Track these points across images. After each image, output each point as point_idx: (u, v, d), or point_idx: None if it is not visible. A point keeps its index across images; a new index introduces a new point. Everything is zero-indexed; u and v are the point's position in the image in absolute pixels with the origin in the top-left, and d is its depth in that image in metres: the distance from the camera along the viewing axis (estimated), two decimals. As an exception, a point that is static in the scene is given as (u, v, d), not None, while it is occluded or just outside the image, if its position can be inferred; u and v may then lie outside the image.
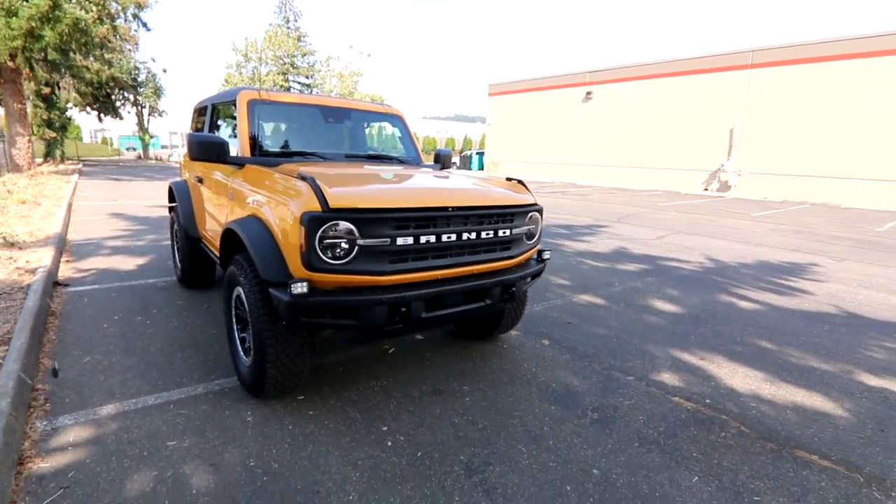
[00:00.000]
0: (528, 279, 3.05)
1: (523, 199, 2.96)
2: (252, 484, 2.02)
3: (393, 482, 2.07)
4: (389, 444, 2.33)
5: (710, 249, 7.88)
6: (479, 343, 3.65)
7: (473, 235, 2.64)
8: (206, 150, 3.07)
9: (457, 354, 3.44)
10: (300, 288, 2.16)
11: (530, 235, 3.02)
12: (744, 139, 20.44)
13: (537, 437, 2.46)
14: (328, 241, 2.21)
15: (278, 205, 2.44)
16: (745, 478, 2.22)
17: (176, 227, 4.73)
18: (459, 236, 2.58)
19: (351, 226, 2.25)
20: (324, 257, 2.21)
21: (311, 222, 2.17)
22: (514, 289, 2.86)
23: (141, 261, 5.76)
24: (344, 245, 2.25)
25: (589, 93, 25.99)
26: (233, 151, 3.38)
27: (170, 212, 5.09)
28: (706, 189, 21.71)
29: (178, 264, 4.75)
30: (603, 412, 2.74)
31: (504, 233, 2.78)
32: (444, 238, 2.52)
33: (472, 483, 2.09)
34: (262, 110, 3.50)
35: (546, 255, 3.19)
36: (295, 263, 2.26)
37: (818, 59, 18.42)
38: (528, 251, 3.01)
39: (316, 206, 2.21)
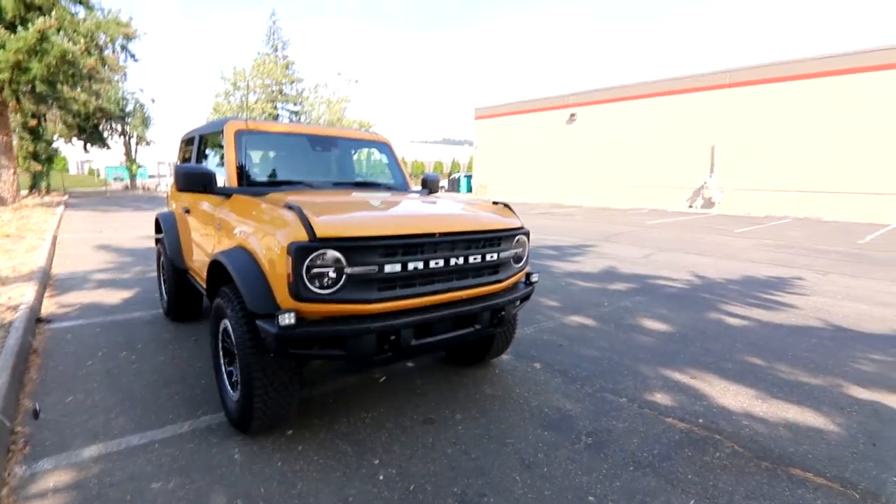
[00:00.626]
0: (517, 303, 3.06)
1: (510, 223, 2.99)
2: (240, 525, 1.96)
3: (385, 517, 2.02)
4: (381, 478, 2.29)
5: (697, 266, 7.97)
6: (470, 369, 3.62)
7: (461, 261, 2.65)
8: (194, 181, 3.07)
9: (448, 381, 3.41)
10: (288, 319, 2.14)
11: (518, 259, 3.04)
12: (725, 156, 20.90)
13: (531, 464, 2.43)
14: (316, 270, 2.21)
15: (265, 235, 2.43)
16: (741, 499, 2.20)
17: (163, 258, 4.69)
18: (447, 262, 2.59)
19: (338, 254, 2.24)
20: (311, 287, 2.20)
21: (298, 252, 2.16)
22: (503, 313, 2.86)
23: (127, 294, 5.67)
24: (332, 274, 2.24)
25: (573, 115, 26.51)
26: (220, 182, 3.38)
27: (156, 243, 5.05)
28: (690, 206, 22.06)
29: (165, 297, 4.69)
30: (597, 436, 2.72)
31: (492, 257, 2.79)
32: (432, 264, 2.53)
33: (467, 515, 2.05)
34: (250, 140, 3.52)
35: (534, 278, 3.21)
36: (282, 294, 2.24)
37: (794, 77, 19.04)
38: (516, 275, 3.02)
39: (303, 235, 2.21)
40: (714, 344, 4.27)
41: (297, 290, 2.18)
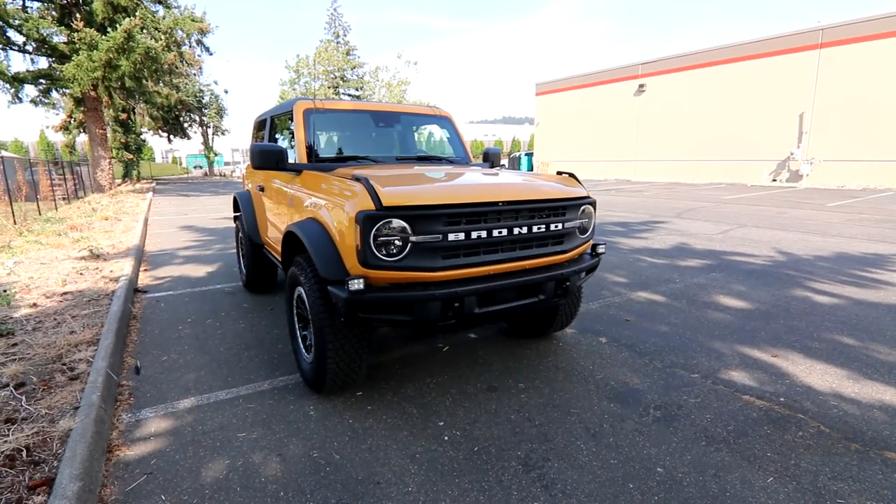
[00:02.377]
0: (583, 274, 2.99)
1: (574, 192, 2.91)
2: (316, 474, 2.10)
3: (451, 475, 2.08)
4: (446, 438, 2.36)
5: (781, 242, 7.39)
6: (533, 341, 3.61)
7: (525, 230, 2.63)
8: (267, 158, 3.23)
9: (511, 352, 3.42)
10: (357, 284, 2.23)
11: (583, 229, 2.96)
12: (815, 125, 19.04)
13: (597, 434, 2.41)
14: (382, 238, 2.27)
15: (334, 206, 2.53)
16: (827, 479, 2.06)
17: (241, 234, 5.01)
18: (510, 231, 2.58)
19: (404, 223, 2.30)
20: (378, 255, 2.27)
21: (366, 221, 2.24)
22: (567, 284, 2.81)
23: (210, 268, 6.13)
24: (397, 242, 2.30)
25: (642, 85, 25.13)
26: (290, 159, 3.54)
27: (235, 221, 5.40)
28: (775, 180, 20.38)
29: (244, 270, 5.02)
30: (666, 410, 2.63)
31: (556, 227, 2.74)
32: (496, 233, 2.52)
33: (531, 478, 2.07)
34: (317, 119, 3.65)
35: (601, 250, 3.12)
36: (351, 261, 2.33)
37: (892, 33, 16.89)
38: (581, 245, 2.95)
39: (370, 205, 2.28)
40: (799, 322, 3.97)
41: (365, 258, 2.26)
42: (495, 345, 3.56)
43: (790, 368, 3.13)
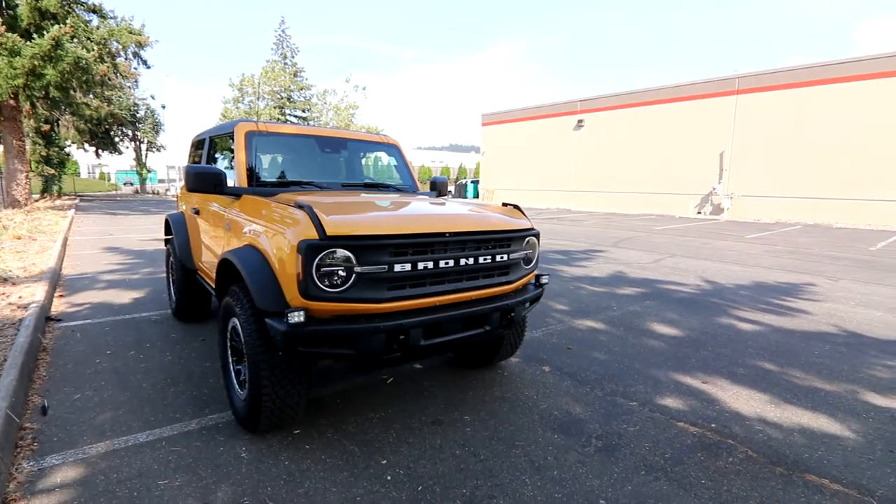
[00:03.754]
0: (527, 304, 3.03)
1: (520, 223, 2.97)
2: (247, 523, 1.94)
3: (393, 518, 1.99)
4: (389, 478, 2.26)
5: (707, 272, 7.89)
6: (478, 371, 3.60)
7: (471, 261, 2.64)
8: (203, 180, 3.08)
9: (456, 383, 3.38)
10: (297, 317, 2.14)
11: (528, 260, 3.02)
12: (734, 163, 20.78)
13: (541, 467, 2.40)
14: (325, 268, 2.20)
15: (275, 234, 2.43)
16: (756, 505, 2.16)
17: (172, 259, 4.71)
18: (457, 262, 2.58)
19: (348, 253, 2.24)
20: (321, 285, 2.19)
21: (309, 250, 2.16)
22: (513, 314, 2.84)
23: (136, 294, 5.70)
24: (341, 273, 2.23)
25: (580, 121, 26.51)
26: (230, 183, 3.40)
27: (166, 244, 5.08)
28: (699, 212, 21.92)
29: (174, 297, 4.70)
30: (607, 440, 2.68)
31: (501, 258, 2.77)
32: (442, 264, 2.51)
33: (476, 517, 2.02)
34: (260, 142, 3.53)
35: (544, 280, 3.18)
36: (292, 292, 2.23)
37: (803, 83, 18.93)
38: (525, 276, 3.00)
39: (313, 233, 2.21)
40: (725, 349, 4.21)
41: (307, 289, 2.17)
42: (440, 375, 3.51)
43: (719, 394, 3.29)
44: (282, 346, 2.20)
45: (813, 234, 14.61)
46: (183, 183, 3.53)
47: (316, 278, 2.18)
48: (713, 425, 2.87)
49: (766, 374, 3.66)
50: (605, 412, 3.00)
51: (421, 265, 2.43)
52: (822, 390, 3.39)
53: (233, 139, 3.53)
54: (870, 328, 4.90)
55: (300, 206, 2.36)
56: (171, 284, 4.84)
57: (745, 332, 4.70)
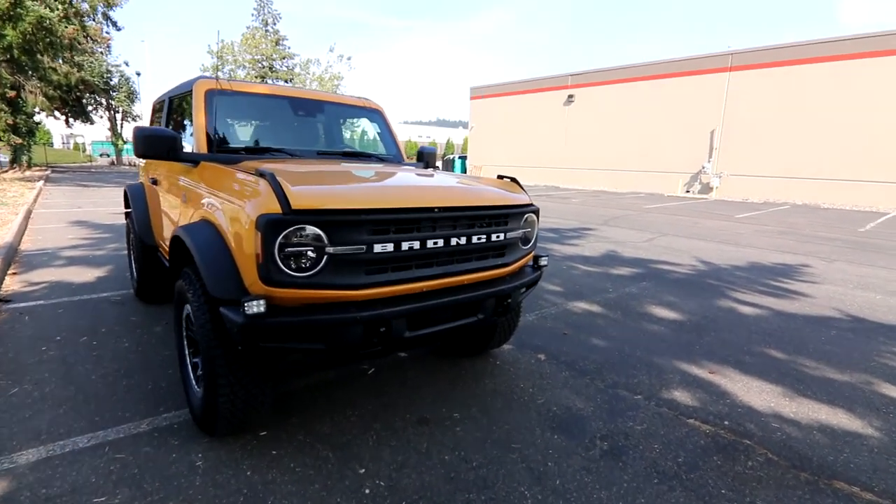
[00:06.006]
0: (524, 289, 2.72)
1: (518, 198, 2.63)
2: (195, 553, 1.62)
3: (371, 544, 1.69)
4: (367, 491, 1.96)
5: (701, 252, 7.67)
6: (468, 360, 3.30)
7: (463, 241, 2.30)
8: (155, 145, 2.67)
9: (444, 374, 3.08)
10: (256, 307, 1.79)
11: (526, 240, 2.69)
12: (724, 141, 20.55)
13: (542, 476, 2.12)
14: (291, 249, 1.84)
15: (232, 207, 2.06)
16: (785, 520, 1.91)
17: (132, 234, 4.28)
18: (447, 242, 2.23)
19: (318, 231, 1.88)
20: (286, 269, 1.84)
21: (269, 227, 1.80)
22: (509, 300, 2.52)
23: (98, 272, 5.27)
24: (310, 254, 1.88)
25: (571, 96, 25.96)
26: (188, 149, 2.98)
27: (126, 218, 4.64)
28: (688, 191, 21.78)
29: (135, 275, 4.29)
30: (613, 440, 2.41)
31: (497, 237, 2.44)
32: (430, 244, 2.17)
33: (468, 540, 1.73)
34: (223, 102, 3.11)
35: (543, 262, 2.87)
36: (251, 277, 1.88)
37: (795, 61, 18.62)
38: (523, 257, 2.67)
39: (275, 207, 1.84)
40: (729, 334, 3.97)
41: (268, 273, 1.82)
42: (427, 366, 3.20)
43: (728, 386, 3.05)
44: (239, 340, 1.85)
45: (802, 214, 14.54)
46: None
47: (279, 260, 1.82)
48: (726, 422, 2.62)
49: (775, 363, 3.42)
50: (608, 407, 2.73)
51: (405, 245, 2.08)
52: (836, 381, 3.16)
53: (192, 98, 3.09)
54: (872, 312, 4.72)
55: (262, 174, 1.98)
56: (133, 262, 4.43)
57: (747, 317, 4.47)
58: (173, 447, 2.17)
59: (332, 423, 2.44)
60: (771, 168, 19.36)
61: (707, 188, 21.00)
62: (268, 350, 1.94)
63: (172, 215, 3.16)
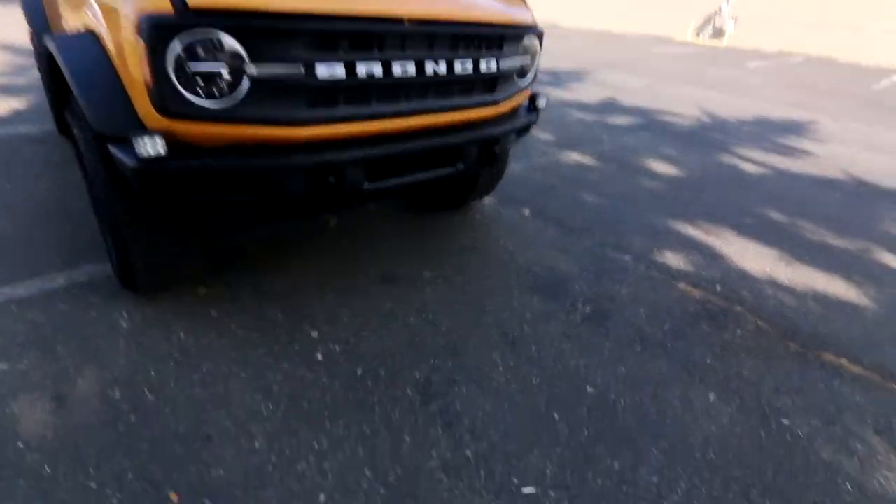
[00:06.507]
0: (516, 135, 2.26)
1: (518, 16, 2.02)
2: (110, 429, 1.41)
3: (319, 417, 1.51)
4: (320, 357, 1.74)
5: (707, 102, 7.03)
6: (444, 213, 2.96)
7: (443, 68, 1.76)
8: None
9: (416, 228, 2.76)
10: (151, 146, 1.33)
11: (523, 72, 2.15)
12: (749, -25, 18.09)
13: (516, 341, 1.92)
14: (196, 67, 1.32)
15: (109, 5, 1.46)
16: (770, 392, 1.79)
17: (36, 41, 3.49)
18: (421, 68, 1.70)
19: (232, 41, 1.34)
20: (189, 95, 1.34)
21: (157, 33, 1.25)
22: (496, 148, 2.08)
23: (16, 103, 4.53)
24: (225, 75, 1.36)
25: None
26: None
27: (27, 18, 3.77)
28: (699, 35, 19.84)
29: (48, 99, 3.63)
30: (597, 304, 2.20)
31: (488, 66, 1.89)
32: (398, 70, 1.64)
33: (430, 414, 1.56)
34: None
35: (541, 103, 2.36)
36: (144, 105, 1.38)
37: None
38: (518, 95, 2.16)
39: (165, 3, 1.27)
40: (730, 193, 3.67)
41: (164, 100, 1.32)
42: (396, 218, 2.86)
43: (724, 248, 2.82)
44: (137, 187, 1.43)
45: (816, 67, 13.48)
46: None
47: (178, 83, 1.31)
48: (718, 287, 2.43)
49: (774, 226, 3.18)
50: (594, 268, 2.50)
51: (362, 70, 1.55)
52: (835, 247, 2.96)
53: None
54: (878, 176, 4.42)
55: (145, -52, 1.35)
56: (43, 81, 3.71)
57: (750, 175, 4.14)
58: (94, 304, 1.88)
59: (284, 281, 2.16)
60: (788, 16, 17.43)
61: (720, 33, 19.10)
62: (178, 201, 1.54)
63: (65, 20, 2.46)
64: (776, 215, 3.36)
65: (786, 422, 1.66)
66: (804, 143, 5.26)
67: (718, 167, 4.26)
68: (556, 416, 1.60)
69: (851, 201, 3.74)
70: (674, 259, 2.66)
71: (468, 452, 1.42)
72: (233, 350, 1.73)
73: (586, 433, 1.53)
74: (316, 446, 1.41)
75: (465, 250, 2.57)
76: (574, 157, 4.20)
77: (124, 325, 1.79)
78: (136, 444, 1.37)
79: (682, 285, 2.42)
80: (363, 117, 1.63)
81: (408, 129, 1.78)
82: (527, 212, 3.08)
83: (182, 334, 1.77)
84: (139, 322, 1.81)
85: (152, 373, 1.60)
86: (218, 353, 1.71)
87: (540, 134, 4.74)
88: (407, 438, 1.46)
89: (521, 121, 2.18)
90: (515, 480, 1.35)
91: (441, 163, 1.97)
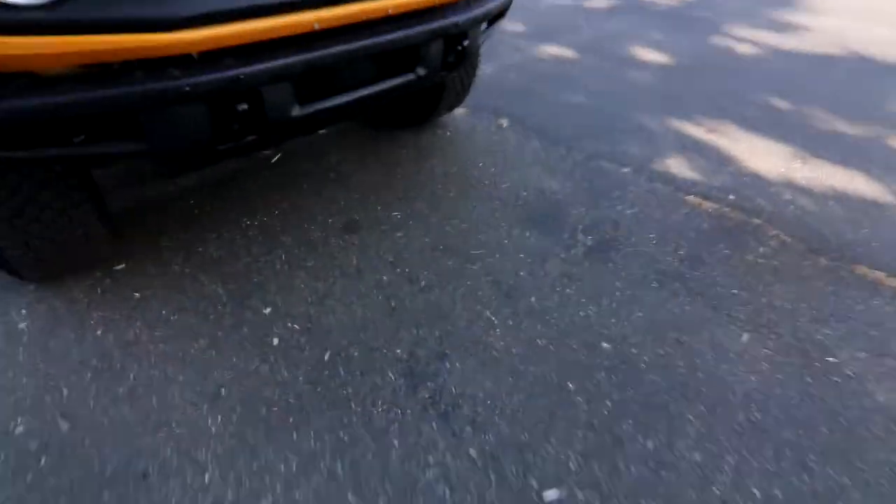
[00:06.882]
0: (486, 26, 1.77)
1: None
2: (15, 481, 1.07)
3: (283, 427, 1.19)
4: (276, 341, 1.40)
5: (689, -26, 6.30)
6: (409, 133, 2.49)
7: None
8: None
9: (378, 156, 2.31)
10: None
11: (493, -65, 1.61)
12: None
13: (511, 291, 1.61)
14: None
15: None
16: (807, 323, 1.55)
17: None
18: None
19: None
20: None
21: None
22: (466, 43, 1.60)
23: None
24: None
25: None
26: None
27: None
28: None
29: None
30: (599, 232, 1.88)
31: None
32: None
33: (419, 403, 1.27)
34: None
35: (517, -21, 1.83)
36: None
37: None
38: (487, -33, 1.63)
39: None
40: (727, 80, 3.26)
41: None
42: (352, 144, 2.39)
43: (731, 148, 2.48)
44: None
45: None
46: None
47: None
48: (731, 197, 2.12)
49: (780, 116, 2.83)
50: (589, 186, 2.15)
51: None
52: (848, 135, 2.66)
53: None
54: (881, 50, 4.01)
55: None
56: None
57: (746, 57, 3.70)
58: (-24, 302, 1.45)
59: (221, 242, 1.74)
60: None
61: None
62: (26, 160, 1.07)
63: None
64: (780, 103, 2.99)
65: (831, 360, 1.43)
66: (798, 17, 4.76)
67: (711, 51, 3.79)
68: (571, 385, 1.32)
69: (855, 80, 3.38)
70: (677, 167, 2.32)
71: (472, 452, 1.15)
72: (165, 343, 1.36)
73: (609, 405, 1.27)
74: (282, 469, 1.10)
75: (438, 180, 2.16)
76: (552, 50, 3.64)
77: (24, 327, 1.38)
78: (50, 499, 1.04)
79: (691, 198, 2.10)
80: (272, 8, 1.13)
81: (343, 21, 1.28)
82: (504, 122, 2.63)
83: (99, 331, 1.38)
84: (44, 321, 1.40)
85: (65, 391, 1.23)
86: (147, 351, 1.33)
87: (509, 25, 4.10)
88: (395, 443, 1.16)
89: (492, 4, 1.67)
90: (534, 483, 1.10)
91: (395, 69, 1.50)
